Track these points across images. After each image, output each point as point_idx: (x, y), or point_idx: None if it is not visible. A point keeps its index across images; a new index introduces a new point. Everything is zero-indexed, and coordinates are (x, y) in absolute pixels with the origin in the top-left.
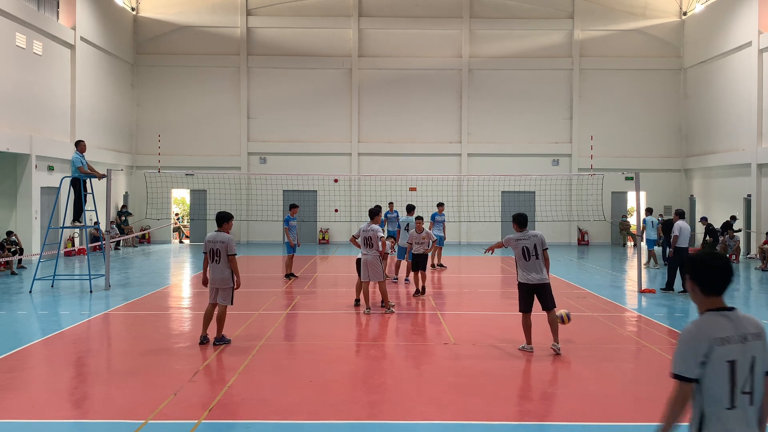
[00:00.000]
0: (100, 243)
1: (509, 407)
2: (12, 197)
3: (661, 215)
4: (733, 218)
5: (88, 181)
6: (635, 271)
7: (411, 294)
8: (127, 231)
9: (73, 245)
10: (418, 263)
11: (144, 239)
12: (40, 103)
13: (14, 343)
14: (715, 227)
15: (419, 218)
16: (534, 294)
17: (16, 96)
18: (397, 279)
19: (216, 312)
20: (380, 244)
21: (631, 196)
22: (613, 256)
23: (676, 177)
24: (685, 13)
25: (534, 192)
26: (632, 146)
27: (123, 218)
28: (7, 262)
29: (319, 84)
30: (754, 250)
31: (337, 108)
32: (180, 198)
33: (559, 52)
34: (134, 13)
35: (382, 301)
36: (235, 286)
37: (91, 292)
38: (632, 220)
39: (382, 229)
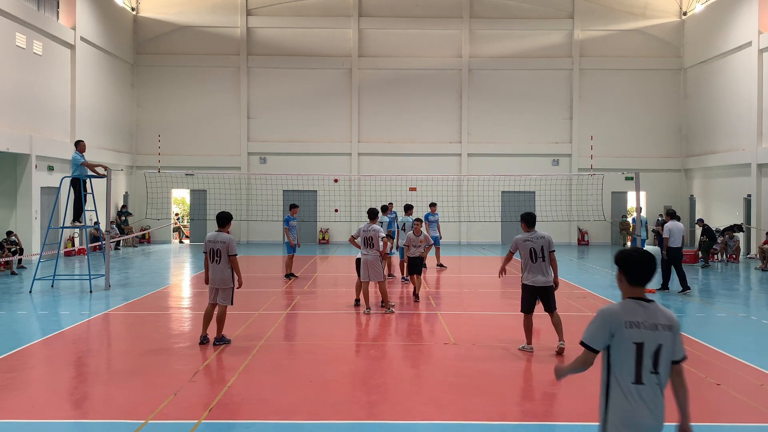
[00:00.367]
0: (100, 243)
1: (509, 407)
2: (12, 197)
3: (661, 215)
4: (741, 229)
5: (88, 181)
6: None
7: (411, 294)
8: (127, 231)
9: (73, 245)
10: (414, 267)
11: (144, 239)
12: (40, 103)
13: (14, 343)
14: (712, 228)
15: (418, 220)
16: (537, 296)
17: (16, 96)
18: (407, 279)
19: (216, 312)
20: (381, 244)
21: (631, 196)
22: (613, 256)
23: (676, 177)
24: (685, 13)
25: (534, 192)
26: (632, 146)
27: (123, 218)
28: (7, 262)
29: (319, 84)
30: (754, 250)
31: (337, 108)
32: (180, 198)
33: (559, 52)
34: (134, 13)
35: (382, 301)
36: (237, 286)
37: (91, 292)
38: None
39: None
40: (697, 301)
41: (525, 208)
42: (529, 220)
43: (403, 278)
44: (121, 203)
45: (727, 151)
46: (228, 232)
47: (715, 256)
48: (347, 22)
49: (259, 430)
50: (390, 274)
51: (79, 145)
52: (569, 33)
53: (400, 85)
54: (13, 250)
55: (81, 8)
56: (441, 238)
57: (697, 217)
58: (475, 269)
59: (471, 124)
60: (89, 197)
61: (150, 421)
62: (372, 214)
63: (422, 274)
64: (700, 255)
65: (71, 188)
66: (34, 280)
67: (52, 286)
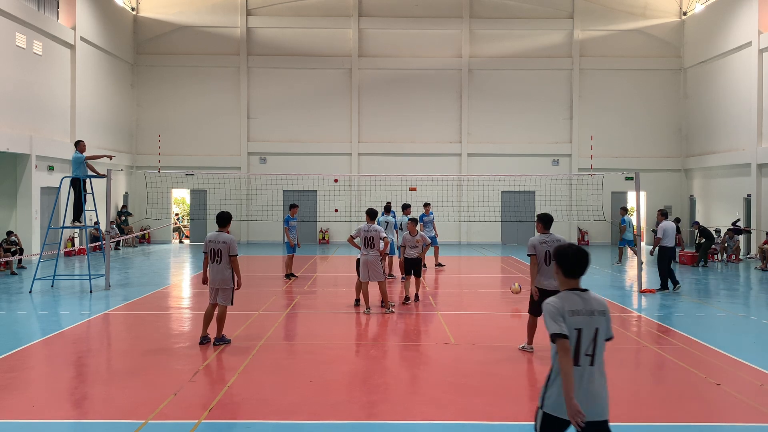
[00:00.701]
0: (100, 243)
1: (509, 407)
2: (12, 197)
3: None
4: (747, 231)
5: (88, 181)
6: (635, 271)
7: (410, 295)
8: (127, 231)
9: (73, 245)
10: (410, 268)
11: (144, 239)
12: (40, 103)
13: (14, 343)
14: (709, 228)
15: (412, 220)
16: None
17: (16, 96)
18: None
19: (216, 312)
20: (382, 244)
21: (631, 196)
22: (613, 256)
23: (676, 177)
24: (685, 13)
25: (534, 192)
26: (632, 146)
27: (123, 218)
28: (7, 262)
29: (319, 84)
30: (754, 250)
31: (337, 108)
32: (180, 198)
33: (559, 52)
34: (134, 13)
35: (382, 301)
36: (236, 287)
37: (91, 292)
38: (632, 220)
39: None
40: (697, 301)
41: (525, 208)
42: (545, 221)
43: (402, 278)
44: (121, 203)
45: (727, 151)
46: (228, 232)
47: (715, 256)
48: (347, 22)
49: (259, 430)
50: (390, 274)
51: (79, 145)
52: (569, 33)
53: (400, 85)
54: (13, 250)
55: (81, 8)
56: (438, 237)
57: (697, 217)
58: (475, 269)
59: (471, 124)
60: (89, 197)
61: (150, 421)
62: (371, 214)
63: (422, 275)
64: (700, 256)
65: (71, 188)
66: (34, 280)
67: (52, 286)
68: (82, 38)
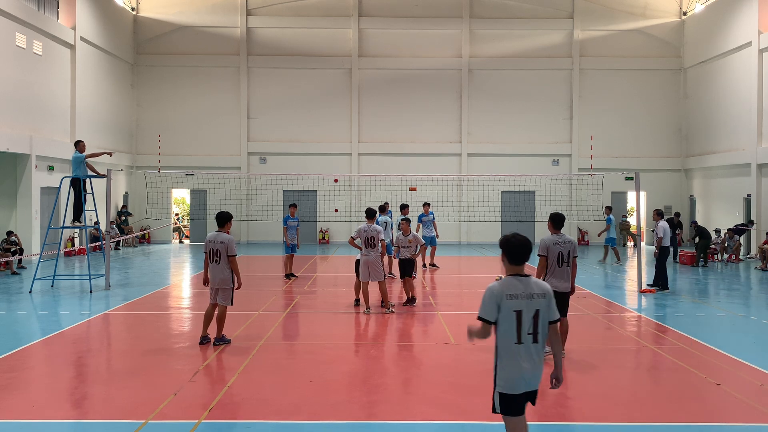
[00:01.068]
0: (100, 243)
1: None
2: (12, 197)
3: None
4: (751, 222)
5: (88, 181)
6: (635, 271)
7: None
8: (127, 231)
9: (73, 245)
10: (404, 269)
11: (144, 239)
12: (40, 103)
13: (14, 343)
14: (707, 228)
15: (405, 220)
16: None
17: (16, 96)
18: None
19: (216, 312)
20: (381, 244)
21: (631, 196)
22: (612, 257)
23: (676, 177)
24: (685, 13)
25: (534, 192)
26: (632, 146)
27: (123, 218)
28: (7, 262)
29: (319, 84)
30: (754, 250)
31: (337, 108)
32: (180, 198)
33: (559, 52)
34: (134, 13)
35: (382, 301)
36: (236, 287)
37: (91, 292)
38: (632, 220)
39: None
40: (697, 301)
41: (525, 208)
42: (557, 221)
43: (402, 278)
44: (121, 203)
45: (727, 151)
46: (228, 232)
47: (715, 256)
48: (347, 22)
49: (259, 430)
50: (389, 273)
51: (79, 145)
52: (569, 33)
53: (400, 85)
54: (13, 250)
55: (81, 8)
56: (438, 237)
57: (697, 217)
58: (474, 269)
59: (471, 124)
60: (89, 197)
61: (150, 421)
62: (370, 214)
63: (413, 276)
64: (698, 255)
65: (71, 188)
66: (34, 280)
67: (52, 286)
68: (82, 38)
